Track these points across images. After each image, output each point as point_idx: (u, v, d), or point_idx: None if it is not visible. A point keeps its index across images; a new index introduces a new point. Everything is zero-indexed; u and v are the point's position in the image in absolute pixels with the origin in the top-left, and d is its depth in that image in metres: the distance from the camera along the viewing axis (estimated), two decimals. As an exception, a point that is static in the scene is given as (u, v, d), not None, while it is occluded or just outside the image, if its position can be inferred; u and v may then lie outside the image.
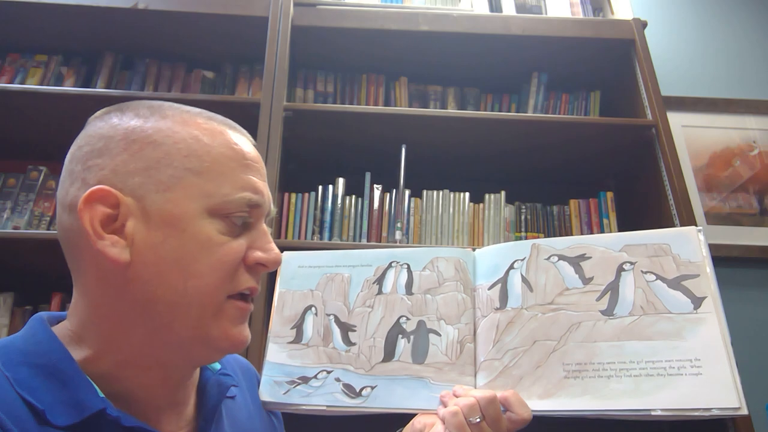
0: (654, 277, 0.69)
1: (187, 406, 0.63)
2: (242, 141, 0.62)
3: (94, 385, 0.54)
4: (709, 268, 0.68)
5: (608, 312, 0.69)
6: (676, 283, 0.68)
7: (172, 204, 0.55)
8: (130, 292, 0.55)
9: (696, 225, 0.65)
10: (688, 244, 0.70)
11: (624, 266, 0.71)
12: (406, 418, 0.74)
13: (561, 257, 0.74)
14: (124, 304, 0.55)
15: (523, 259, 0.75)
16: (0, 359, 0.53)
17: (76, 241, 0.56)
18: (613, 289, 0.70)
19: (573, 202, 1.77)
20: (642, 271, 0.70)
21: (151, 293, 0.54)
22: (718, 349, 0.63)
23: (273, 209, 0.65)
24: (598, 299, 0.70)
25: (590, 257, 0.73)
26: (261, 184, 0.61)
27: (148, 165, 0.56)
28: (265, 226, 0.62)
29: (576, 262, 0.74)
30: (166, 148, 0.57)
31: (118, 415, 0.52)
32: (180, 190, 0.56)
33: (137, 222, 0.55)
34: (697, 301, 0.67)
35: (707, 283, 0.67)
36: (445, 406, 0.67)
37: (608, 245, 0.73)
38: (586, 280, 0.72)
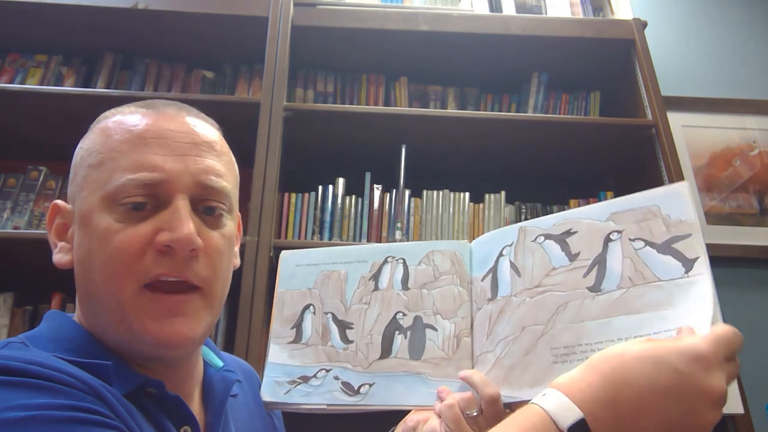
0: (642, 244, 0.63)
1: (192, 402, 0.63)
2: (151, 117, 0.59)
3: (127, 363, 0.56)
4: (698, 225, 0.62)
5: (595, 288, 0.64)
6: (665, 247, 0.62)
7: (81, 202, 0.59)
8: (80, 289, 0.60)
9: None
10: (679, 203, 0.63)
11: (611, 236, 0.65)
12: (405, 414, 0.74)
13: (547, 236, 0.69)
14: (84, 302, 0.60)
15: (511, 245, 0.72)
16: (37, 348, 0.54)
17: None
18: (600, 262, 0.65)
19: (573, 202, 1.77)
20: (630, 239, 0.64)
21: (86, 289, 0.58)
22: (706, 311, 0.57)
23: (211, 182, 0.59)
24: (585, 275, 0.65)
25: (576, 231, 0.68)
26: (161, 159, 0.56)
27: (75, 173, 0.61)
28: (181, 203, 0.56)
29: (562, 239, 0.68)
30: (82, 153, 0.61)
31: (159, 384, 0.55)
32: (86, 187, 0.59)
33: (74, 226, 0.60)
34: (689, 264, 0.60)
35: (699, 242, 0.61)
36: (442, 401, 0.66)
37: (594, 216, 0.67)
38: (573, 257, 0.66)
